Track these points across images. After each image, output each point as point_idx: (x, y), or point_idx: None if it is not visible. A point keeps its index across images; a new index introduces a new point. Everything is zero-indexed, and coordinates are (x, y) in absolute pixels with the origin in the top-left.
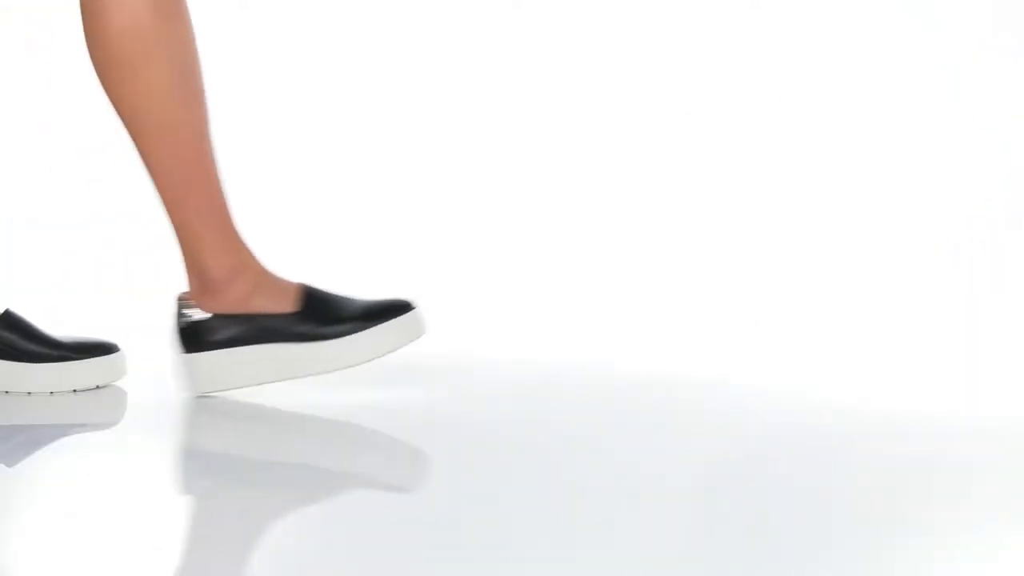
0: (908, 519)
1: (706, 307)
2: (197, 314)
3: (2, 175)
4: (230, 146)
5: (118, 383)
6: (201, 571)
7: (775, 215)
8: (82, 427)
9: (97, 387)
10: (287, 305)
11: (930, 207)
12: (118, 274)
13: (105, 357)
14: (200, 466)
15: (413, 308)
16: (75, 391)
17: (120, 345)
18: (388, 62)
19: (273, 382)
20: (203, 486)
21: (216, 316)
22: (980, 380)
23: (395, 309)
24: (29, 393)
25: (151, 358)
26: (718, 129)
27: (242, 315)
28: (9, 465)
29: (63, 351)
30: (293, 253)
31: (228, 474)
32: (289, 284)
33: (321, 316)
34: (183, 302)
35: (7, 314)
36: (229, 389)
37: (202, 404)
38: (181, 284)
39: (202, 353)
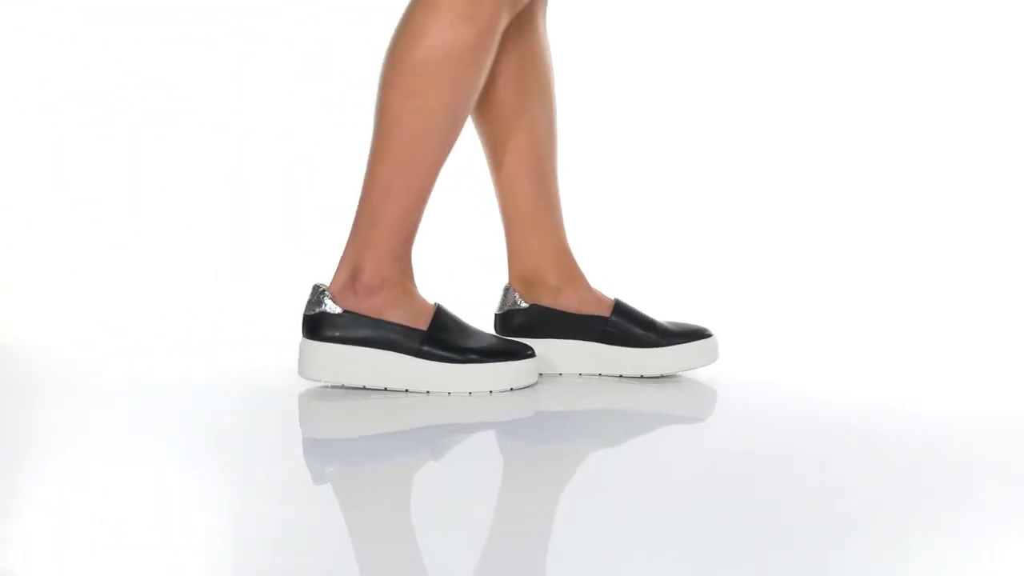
0: (908, 519)
1: (706, 306)
2: (330, 306)
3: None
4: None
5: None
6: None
7: (775, 215)
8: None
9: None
10: (418, 323)
11: (930, 207)
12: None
13: (703, 341)
14: None
15: (711, 335)
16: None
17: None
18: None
19: (378, 388)
20: None
21: (347, 312)
22: (980, 380)
23: (513, 352)
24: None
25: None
26: (718, 129)
27: (371, 319)
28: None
29: (670, 337)
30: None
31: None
32: (426, 304)
33: (444, 341)
34: (320, 292)
35: (618, 303)
36: (336, 383)
37: None
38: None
39: (321, 343)
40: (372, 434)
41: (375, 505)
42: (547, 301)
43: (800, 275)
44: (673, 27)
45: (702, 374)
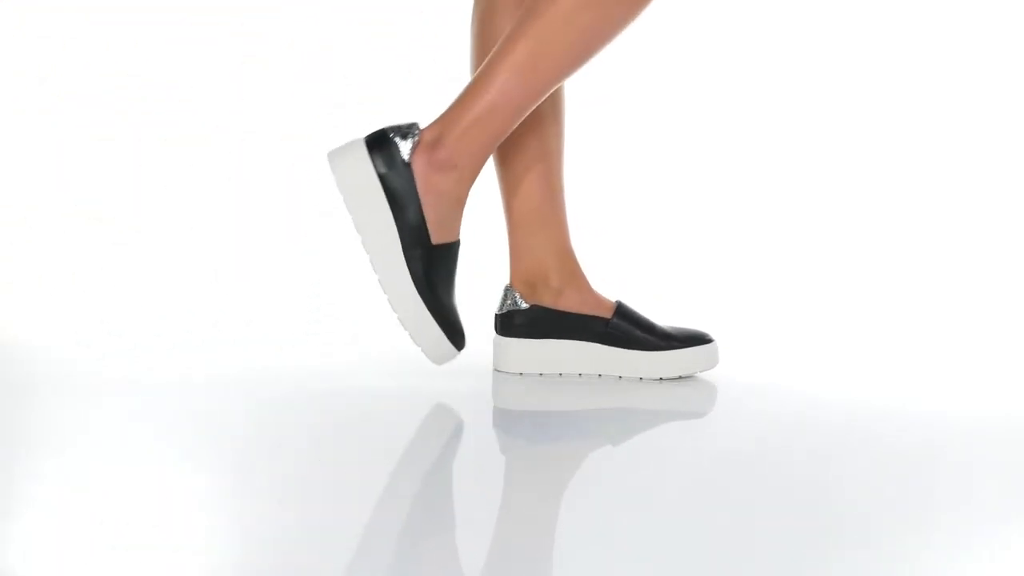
0: (908, 519)
1: (707, 306)
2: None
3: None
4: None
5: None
6: None
7: (775, 216)
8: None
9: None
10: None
11: (930, 208)
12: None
13: (704, 346)
14: None
15: (712, 340)
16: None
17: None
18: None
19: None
20: None
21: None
22: (980, 380)
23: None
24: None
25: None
26: (720, 130)
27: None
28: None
29: (671, 341)
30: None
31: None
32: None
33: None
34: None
35: (620, 305)
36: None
37: None
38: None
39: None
40: (372, 434)
41: (374, 505)
42: (548, 301)
43: (800, 275)
44: (675, 29)
45: (702, 374)
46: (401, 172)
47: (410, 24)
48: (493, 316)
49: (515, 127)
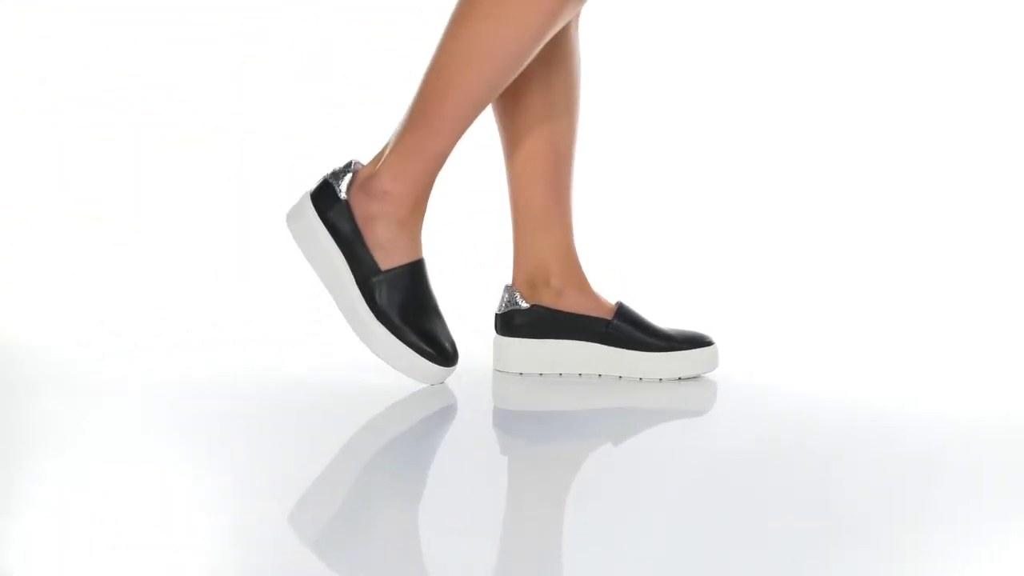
0: (908, 519)
1: (708, 306)
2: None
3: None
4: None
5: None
6: None
7: (776, 216)
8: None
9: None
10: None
11: (930, 208)
12: None
13: (704, 349)
14: None
15: (712, 343)
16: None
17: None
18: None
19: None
20: None
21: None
22: (980, 380)
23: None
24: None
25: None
26: (722, 131)
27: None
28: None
29: (671, 342)
30: None
31: None
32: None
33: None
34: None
35: (621, 307)
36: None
37: None
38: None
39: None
40: (372, 434)
41: (374, 505)
42: (549, 302)
43: (801, 275)
44: (676, 30)
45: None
46: (341, 210)
47: (410, 24)
48: (493, 316)
49: (451, 147)
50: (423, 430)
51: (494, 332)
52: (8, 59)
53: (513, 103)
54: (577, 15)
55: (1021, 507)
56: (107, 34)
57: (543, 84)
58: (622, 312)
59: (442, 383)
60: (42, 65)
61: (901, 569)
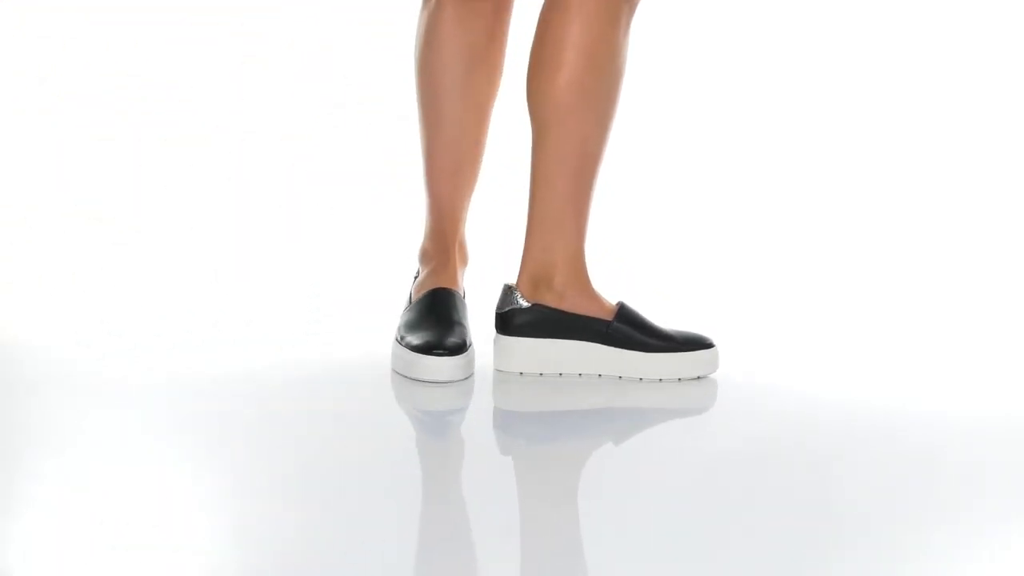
0: (908, 518)
1: (709, 306)
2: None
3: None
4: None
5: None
6: None
7: (777, 216)
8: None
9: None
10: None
11: (930, 209)
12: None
13: (705, 351)
14: None
15: (713, 345)
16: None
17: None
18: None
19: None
20: None
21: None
22: (980, 380)
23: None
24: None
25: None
26: (724, 131)
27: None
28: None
29: (672, 343)
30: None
31: None
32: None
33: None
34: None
35: (622, 308)
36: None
37: None
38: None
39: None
40: (372, 434)
41: (375, 506)
42: (549, 301)
43: (801, 276)
44: (677, 30)
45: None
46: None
47: (410, 24)
48: (494, 314)
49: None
50: (423, 430)
51: (494, 331)
52: (8, 59)
53: (544, 98)
54: (630, 14)
55: (1021, 507)
56: (107, 34)
57: (577, 82)
58: (623, 313)
59: (448, 381)
60: (42, 65)
61: (902, 569)
